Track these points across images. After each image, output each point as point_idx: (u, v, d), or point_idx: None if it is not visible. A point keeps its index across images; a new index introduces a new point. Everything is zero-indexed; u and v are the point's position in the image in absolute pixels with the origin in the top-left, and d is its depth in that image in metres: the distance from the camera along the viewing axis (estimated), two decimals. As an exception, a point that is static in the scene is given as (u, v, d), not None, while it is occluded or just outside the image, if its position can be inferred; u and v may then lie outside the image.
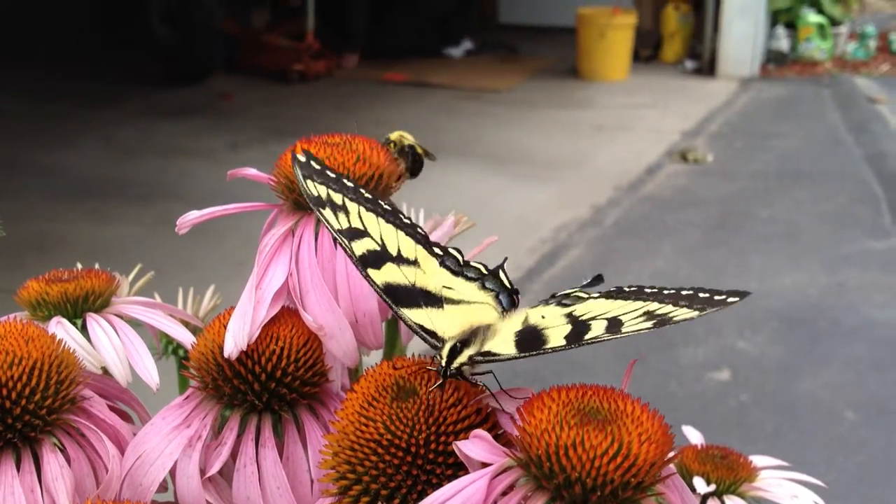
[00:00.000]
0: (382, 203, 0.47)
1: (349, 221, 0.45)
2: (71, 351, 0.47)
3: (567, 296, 0.44)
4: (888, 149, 4.75)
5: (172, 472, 0.45)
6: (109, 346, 0.50)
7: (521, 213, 3.72)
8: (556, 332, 0.40)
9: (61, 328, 0.50)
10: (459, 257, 0.48)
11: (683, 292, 0.40)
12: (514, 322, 0.43)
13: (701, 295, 0.40)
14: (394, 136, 0.58)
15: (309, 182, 0.46)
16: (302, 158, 0.47)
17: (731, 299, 0.39)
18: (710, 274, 3.31)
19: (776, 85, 6.47)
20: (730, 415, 2.44)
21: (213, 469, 0.44)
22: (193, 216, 0.49)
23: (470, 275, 0.47)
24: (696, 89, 6.25)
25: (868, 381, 2.60)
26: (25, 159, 4.22)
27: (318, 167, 0.47)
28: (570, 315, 0.42)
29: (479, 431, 0.38)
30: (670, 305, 0.39)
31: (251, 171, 0.52)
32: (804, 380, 2.61)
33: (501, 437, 0.39)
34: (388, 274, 0.44)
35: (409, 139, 0.58)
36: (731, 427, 2.38)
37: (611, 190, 4.18)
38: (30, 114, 5.05)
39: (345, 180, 0.47)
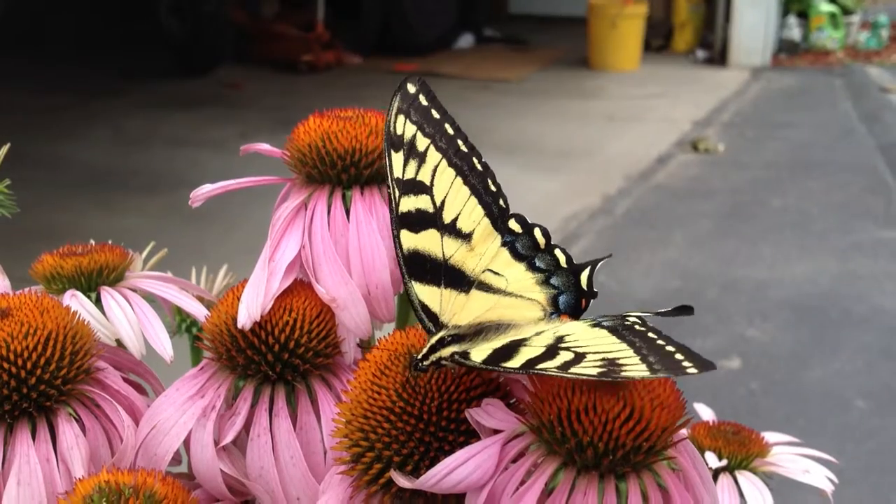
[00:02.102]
0: (476, 160, 0.45)
1: (416, 173, 0.43)
2: (85, 323, 0.47)
3: (624, 319, 0.39)
4: (900, 138, 4.73)
5: (186, 443, 0.45)
6: (124, 319, 0.50)
7: (532, 202, 3.72)
8: (527, 353, 0.38)
9: (76, 301, 0.51)
10: (542, 239, 0.44)
11: (668, 347, 0.35)
12: (542, 330, 0.41)
13: (677, 357, 0.35)
14: None
15: (401, 118, 0.44)
16: (412, 89, 0.45)
17: (692, 370, 0.33)
18: (721, 263, 3.30)
19: (788, 74, 6.44)
20: (740, 403, 2.43)
21: (228, 438, 0.45)
22: (207, 189, 0.49)
23: (539, 263, 0.44)
24: (708, 79, 6.23)
25: (879, 370, 2.59)
26: (34, 150, 4.24)
27: (425, 102, 0.45)
28: (559, 338, 0.39)
29: (492, 399, 0.38)
30: (637, 358, 0.35)
31: (264, 147, 0.52)
32: (814, 368, 2.61)
33: (514, 406, 0.40)
34: (423, 241, 0.43)
35: None
36: (742, 415, 2.36)
37: (621, 180, 4.18)
38: (38, 105, 5.07)
39: (448, 124, 0.45)
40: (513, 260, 0.44)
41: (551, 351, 0.37)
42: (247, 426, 0.45)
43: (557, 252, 0.44)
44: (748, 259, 3.35)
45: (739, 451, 0.58)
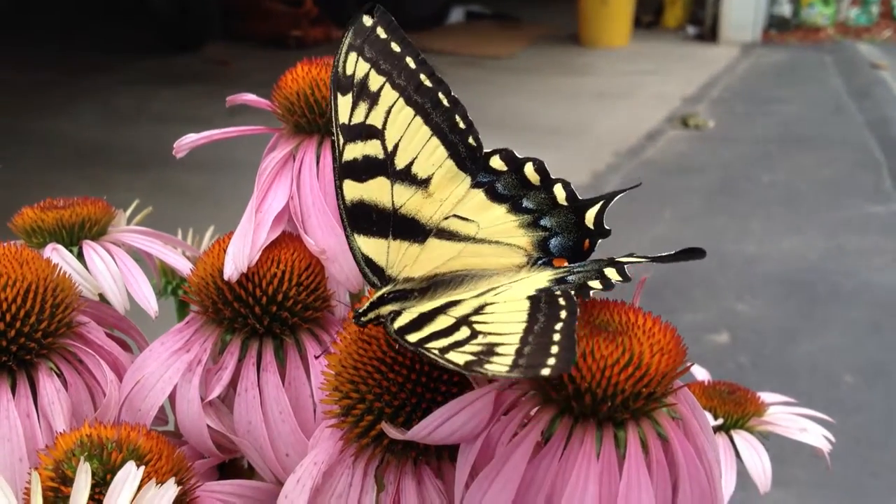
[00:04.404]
0: (443, 94, 0.41)
1: (366, 116, 0.39)
2: (67, 276, 0.46)
3: (612, 263, 0.37)
4: (890, 115, 4.72)
5: (172, 398, 0.44)
6: (107, 273, 0.49)
7: (521, 178, 3.69)
8: (438, 323, 0.35)
9: (57, 254, 0.49)
10: (535, 175, 0.40)
11: (554, 337, 0.31)
12: (491, 287, 0.37)
13: (551, 350, 0.30)
14: None
15: (352, 55, 0.39)
16: (367, 22, 0.40)
17: (545, 371, 0.29)
18: (710, 238, 3.30)
19: (778, 51, 6.42)
20: (729, 377, 2.39)
21: (214, 393, 0.44)
22: (191, 139, 0.48)
23: (527, 203, 0.40)
24: (698, 55, 6.20)
25: (866, 345, 2.60)
26: (21, 127, 4.19)
27: (384, 35, 0.40)
28: (480, 307, 0.35)
29: (486, 347, 0.37)
30: (514, 348, 0.31)
31: (250, 97, 0.51)
32: (803, 343, 2.61)
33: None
34: (370, 190, 0.39)
35: None
36: (731, 389, 2.38)
37: (611, 156, 4.16)
38: (25, 82, 5.01)
39: (409, 58, 0.41)
40: (489, 202, 0.40)
41: (455, 326, 0.34)
42: (234, 381, 0.44)
43: (557, 188, 0.40)
44: (737, 234, 3.34)
45: (735, 410, 0.58)
